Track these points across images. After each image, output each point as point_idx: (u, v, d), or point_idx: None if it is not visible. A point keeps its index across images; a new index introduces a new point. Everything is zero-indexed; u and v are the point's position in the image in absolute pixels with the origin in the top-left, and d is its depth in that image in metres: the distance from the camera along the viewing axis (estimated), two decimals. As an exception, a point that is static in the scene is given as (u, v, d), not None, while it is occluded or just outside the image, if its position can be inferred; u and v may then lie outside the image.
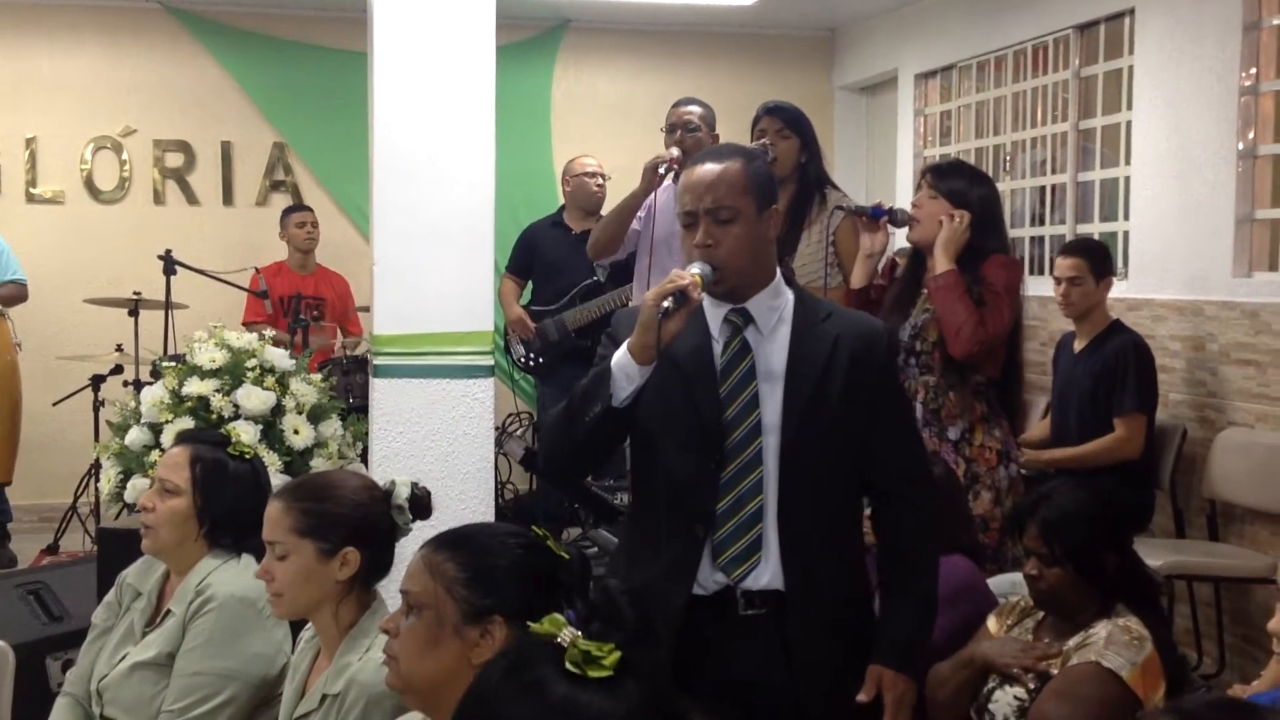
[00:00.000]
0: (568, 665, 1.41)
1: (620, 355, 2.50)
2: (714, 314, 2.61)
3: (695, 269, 2.51)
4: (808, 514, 2.55)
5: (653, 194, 4.89)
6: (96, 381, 6.59)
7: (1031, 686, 2.89)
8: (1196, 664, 5.09)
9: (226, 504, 2.92)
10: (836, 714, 2.54)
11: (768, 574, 2.53)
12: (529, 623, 1.52)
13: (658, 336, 2.43)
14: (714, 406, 2.54)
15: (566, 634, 1.45)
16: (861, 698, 2.52)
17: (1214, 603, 5.07)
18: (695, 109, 4.99)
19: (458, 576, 2.01)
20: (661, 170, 4.82)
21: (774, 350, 2.58)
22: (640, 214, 5.02)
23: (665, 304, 2.43)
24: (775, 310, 2.61)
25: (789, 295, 2.64)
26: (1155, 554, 4.53)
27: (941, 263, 3.92)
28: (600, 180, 6.54)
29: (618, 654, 1.43)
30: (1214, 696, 1.29)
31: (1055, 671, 2.87)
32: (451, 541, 2.07)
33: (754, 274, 2.58)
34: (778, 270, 2.65)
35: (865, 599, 2.68)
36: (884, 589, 2.65)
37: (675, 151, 4.86)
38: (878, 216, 4.16)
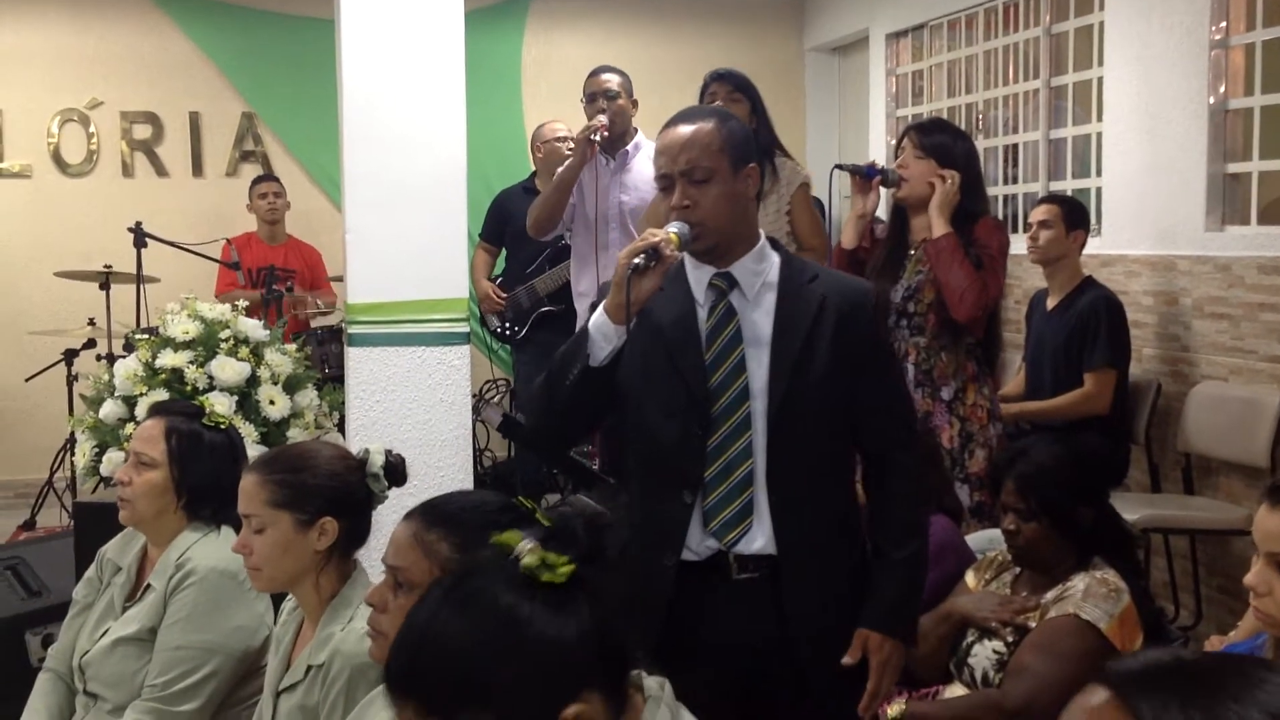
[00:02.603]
0: (522, 568, 1.39)
1: (597, 316, 2.51)
2: (698, 279, 2.59)
3: (673, 228, 2.49)
4: (798, 477, 2.52)
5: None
6: (69, 356, 6.55)
7: (1010, 640, 2.92)
8: (1174, 616, 5.13)
9: (203, 475, 2.91)
10: (831, 676, 2.53)
11: (760, 538, 2.52)
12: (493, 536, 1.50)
13: (627, 295, 2.43)
14: (699, 373, 2.53)
15: (525, 544, 1.42)
16: (847, 660, 2.51)
17: (1190, 555, 5.11)
18: (614, 76, 5.01)
19: (452, 557, 1.97)
20: (596, 139, 4.82)
21: (760, 314, 2.56)
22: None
23: (636, 261, 2.43)
24: (760, 274, 2.58)
25: (774, 258, 2.61)
26: (1131, 508, 4.55)
27: (938, 226, 3.93)
28: (572, 145, 6.50)
29: (573, 566, 1.40)
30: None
31: (1033, 625, 2.89)
32: (443, 518, 2.03)
33: (735, 233, 2.55)
34: (761, 233, 2.62)
35: (860, 560, 2.64)
36: (874, 551, 2.62)
37: (603, 119, 4.87)
38: (871, 176, 4.15)
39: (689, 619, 2.51)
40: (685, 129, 2.54)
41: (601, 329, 2.51)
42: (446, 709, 1.37)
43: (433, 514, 2.04)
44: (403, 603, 1.99)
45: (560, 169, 5.09)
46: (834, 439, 2.59)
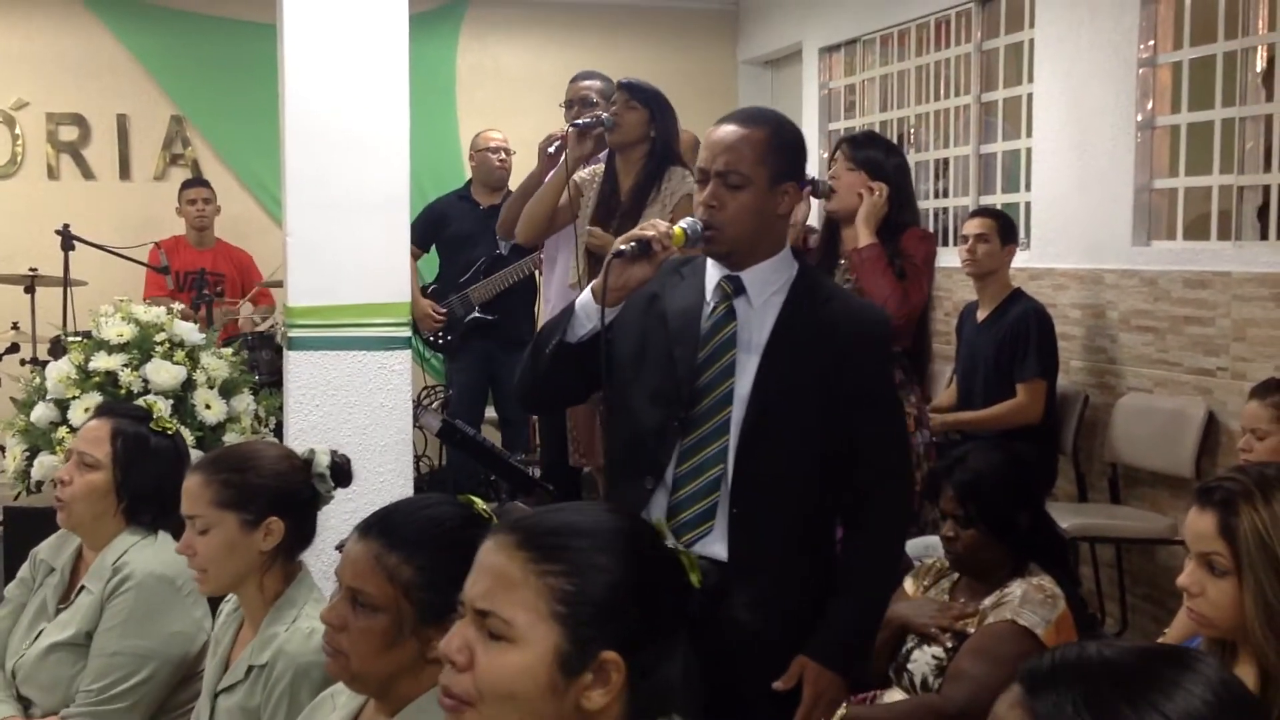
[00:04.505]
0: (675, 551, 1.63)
1: (584, 294, 2.51)
2: (713, 276, 2.57)
3: (684, 223, 2.47)
4: (762, 490, 2.49)
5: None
6: (-9, 361, 6.43)
7: (949, 646, 2.95)
8: (1100, 624, 5.22)
9: (147, 480, 2.87)
10: (765, 693, 2.49)
11: (716, 543, 2.50)
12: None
13: (604, 278, 2.42)
14: (690, 368, 2.51)
15: (674, 542, 1.66)
16: (778, 685, 2.48)
17: (1116, 564, 5.20)
18: (594, 83, 4.93)
19: (415, 580, 1.92)
20: (551, 150, 4.77)
21: (761, 324, 2.53)
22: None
23: (622, 247, 2.43)
24: (771, 284, 2.54)
25: (794, 271, 2.58)
26: (1059, 517, 4.61)
27: (864, 236, 3.99)
28: (503, 155, 6.49)
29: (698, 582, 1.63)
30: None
31: (972, 631, 2.93)
32: (404, 541, 1.95)
33: (754, 245, 2.52)
34: (787, 245, 2.59)
35: (816, 583, 2.56)
36: (839, 582, 2.57)
37: (566, 128, 4.84)
38: (801, 186, 4.19)
39: None
40: (734, 130, 2.51)
41: (585, 307, 2.50)
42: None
43: (393, 535, 1.95)
44: (364, 624, 1.93)
45: (525, 177, 5.04)
46: (809, 460, 2.53)
